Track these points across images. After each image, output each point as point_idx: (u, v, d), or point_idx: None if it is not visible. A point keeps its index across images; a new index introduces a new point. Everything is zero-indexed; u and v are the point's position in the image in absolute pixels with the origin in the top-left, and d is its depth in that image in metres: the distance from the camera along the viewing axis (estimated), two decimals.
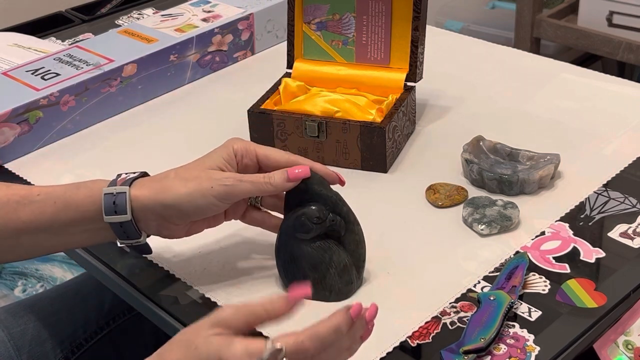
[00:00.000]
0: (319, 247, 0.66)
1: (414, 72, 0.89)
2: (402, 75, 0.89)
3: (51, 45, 1.14)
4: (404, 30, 0.88)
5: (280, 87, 0.91)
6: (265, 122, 0.85)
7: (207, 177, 0.63)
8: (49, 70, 0.99)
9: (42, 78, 0.97)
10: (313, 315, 0.60)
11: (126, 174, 0.67)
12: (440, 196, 0.80)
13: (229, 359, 0.50)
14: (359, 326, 0.55)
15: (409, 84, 0.89)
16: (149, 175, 0.68)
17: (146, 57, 1.01)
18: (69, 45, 1.11)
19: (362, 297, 0.68)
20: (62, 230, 0.66)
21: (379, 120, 0.84)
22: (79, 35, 1.18)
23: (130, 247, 0.69)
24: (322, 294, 0.67)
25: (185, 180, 0.64)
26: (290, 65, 0.93)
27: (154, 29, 1.09)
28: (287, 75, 0.93)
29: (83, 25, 1.23)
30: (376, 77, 0.90)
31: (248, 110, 0.86)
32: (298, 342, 0.51)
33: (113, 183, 0.66)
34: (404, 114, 0.86)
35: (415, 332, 0.64)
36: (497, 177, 0.79)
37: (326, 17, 0.91)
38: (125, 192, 0.64)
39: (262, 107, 0.87)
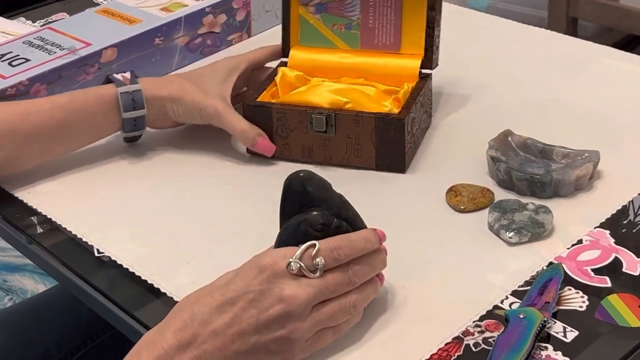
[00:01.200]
0: None
1: (430, 58, 0.88)
2: (417, 62, 0.88)
3: (20, 26, 1.14)
4: (417, 10, 0.87)
5: (277, 78, 0.90)
6: (263, 117, 0.84)
7: (210, 107, 0.85)
8: (17, 55, 0.99)
9: (10, 64, 0.97)
10: None
11: (117, 73, 0.86)
12: (463, 199, 0.79)
13: (266, 261, 0.60)
14: (382, 251, 0.65)
15: (424, 71, 0.88)
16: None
17: (128, 40, 1.01)
18: (40, 26, 1.11)
19: (372, 315, 0.67)
20: (69, 132, 0.85)
21: (396, 111, 0.84)
22: (51, 16, 1.18)
23: (127, 138, 0.89)
24: None
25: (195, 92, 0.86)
26: (285, 53, 0.92)
27: (136, 8, 1.09)
28: (283, 65, 0.92)
29: (56, 4, 1.23)
30: (386, 65, 0.89)
31: (244, 104, 0.85)
32: (330, 240, 0.62)
33: (120, 83, 0.85)
34: (421, 104, 0.85)
35: (434, 354, 0.64)
36: (528, 178, 0.79)
37: None
38: (141, 90, 0.85)
39: (259, 99, 0.86)
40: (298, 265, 0.60)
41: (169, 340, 0.57)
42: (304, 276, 0.60)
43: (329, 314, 0.61)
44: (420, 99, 0.85)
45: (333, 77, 0.90)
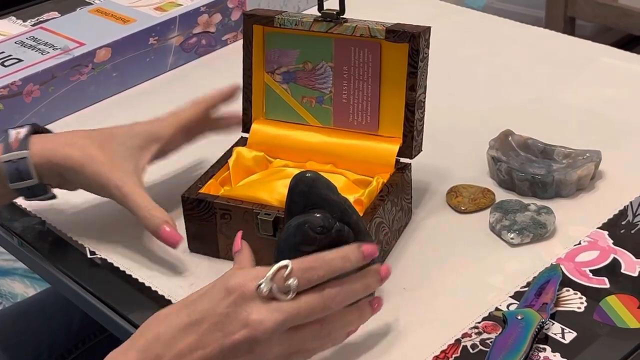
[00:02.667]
0: None
1: (410, 146, 0.76)
2: (394, 148, 0.77)
3: (11, 26, 1.14)
4: (396, 89, 0.77)
5: (231, 160, 0.79)
6: (204, 213, 0.73)
7: (113, 184, 0.73)
8: (10, 55, 1.00)
9: (2, 64, 0.98)
10: None
11: (14, 129, 0.75)
12: (464, 200, 0.80)
13: (234, 283, 0.57)
14: (372, 275, 0.61)
15: (402, 160, 0.78)
16: (40, 131, 0.77)
17: (122, 40, 1.02)
18: (32, 26, 1.11)
19: (372, 320, 0.68)
20: None
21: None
22: (43, 15, 1.19)
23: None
24: None
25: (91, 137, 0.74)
26: (246, 128, 0.82)
27: (130, 7, 1.09)
28: (242, 142, 0.82)
29: (47, 2, 1.23)
30: (360, 149, 0.78)
31: (182, 196, 0.74)
32: (304, 260, 0.58)
33: (7, 147, 0.73)
34: (393, 204, 0.74)
35: (436, 356, 0.64)
36: (529, 178, 0.80)
37: (295, 65, 0.80)
38: (26, 157, 0.72)
39: (203, 190, 0.75)
40: (269, 287, 0.56)
41: None
42: (275, 299, 0.57)
43: (300, 340, 0.58)
44: (392, 197, 0.74)
45: (298, 160, 0.80)
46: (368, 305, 0.62)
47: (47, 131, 0.77)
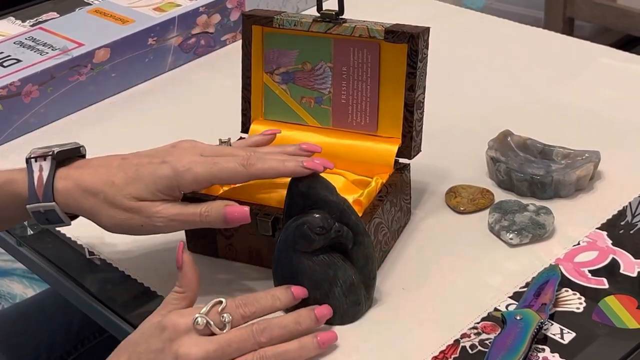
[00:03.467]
0: (323, 261, 0.66)
1: (408, 146, 0.77)
2: (393, 148, 0.77)
3: (10, 26, 1.14)
4: (395, 89, 0.77)
5: None
6: None
7: (139, 210, 0.66)
8: (9, 55, 1.00)
9: (1, 65, 0.98)
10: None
11: (36, 160, 0.68)
12: (463, 200, 0.80)
13: (169, 320, 0.60)
14: (305, 313, 0.64)
15: (401, 160, 0.78)
16: (73, 157, 0.70)
17: (121, 40, 1.02)
18: (31, 26, 1.11)
19: (372, 320, 0.68)
20: None
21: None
22: (42, 15, 1.19)
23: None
24: None
25: (115, 207, 0.67)
26: (245, 128, 0.82)
27: (129, 7, 1.09)
28: None
29: (46, 3, 1.23)
30: (359, 149, 0.78)
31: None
32: (237, 298, 0.62)
33: (31, 188, 0.67)
34: (392, 204, 0.74)
35: (435, 356, 0.64)
36: (528, 178, 0.80)
37: (294, 66, 0.80)
38: (54, 208, 0.67)
39: (202, 190, 0.73)
40: (205, 320, 0.59)
41: None
42: (212, 333, 0.60)
43: None
44: (391, 198, 0.74)
45: None
46: (312, 338, 0.63)
47: (70, 152, 0.71)
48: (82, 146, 0.72)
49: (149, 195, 0.66)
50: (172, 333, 0.59)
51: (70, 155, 0.70)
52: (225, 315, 0.60)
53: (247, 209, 0.67)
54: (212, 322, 0.59)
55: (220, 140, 0.76)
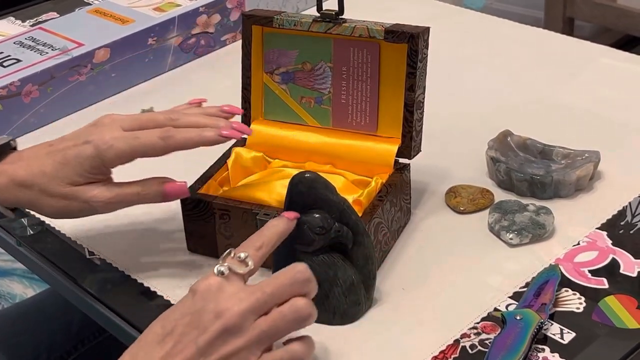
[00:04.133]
0: (322, 261, 0.66)
1: (408, 146, 0.77)
2: (393, 148, 0.77)
3: (9, 26, 1.14)
4: (395, 90, 0.77)
5: (229, 161, 0.79)
6: (203, 213, 0.73)
7: (74, 196, 0.68)
8: (9, 55, 1.00)
9: (1, 65, 0.98)
10: (314, 339, 0.60)
11: None
12: (463, 200, 0.80)
13: (197, 284, 0.57)
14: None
15: (401, 160, 0.78)
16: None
17: (120, 40, 1.02)
18: (31, 26, 1.11)
19: (372, 320, 0.68)
20: None
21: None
22: (41, 15, 1.19)
23: None
24: (324, 315, 0.67)
25: (52, 195, 0.68)
26: None
27: (129, 7, 1.09)
28: (241, 142, 0.81)
29: (46, 3, 1.23)
30: (359, 149, 0.78)
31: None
32: (242, 243, 0.60)
33: None
34: (392, 204, 0.74)
35: (435, 356, 0.64)
36: (528, 178, 0.80)
37: (294, 66, 0.80)
38: None
39: (202, 190, 0.75)
40: (225, 266, 0.57)
41: None
42: (240, 277, 0.57)
43: (269, 325, 0.56)
44: (391, 198, 0.74)
45: (297, 160, 0.80)
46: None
47: (1, 148, 0.71)
48: (13, 139, 0.72)
49: (79, 178, 0.68)
50: (204, 292, 0.57)
51: (1, 150, 0.71)
52: (240, 254, 0.58)
53: (185, 183, 0.70)
54: (233, 266, 0.57)
55: (142, 110, 0.77)
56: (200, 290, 0.57)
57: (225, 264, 0.57)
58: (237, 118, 0.84)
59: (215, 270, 0.57)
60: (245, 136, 0.82)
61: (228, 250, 0.59)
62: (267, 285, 0.57)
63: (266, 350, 0.57)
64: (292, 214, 0.64)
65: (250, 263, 0.58)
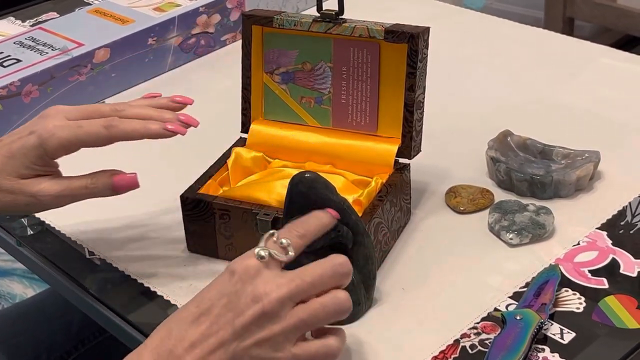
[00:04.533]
0: None
1: (408, 146, 0.77)
2: (393, 148, 0.77)
3: (9, 26, 1.14)
4: (395, 90, 0.77)
5: (229, 161, 0.79)
6: (203, 213, 0.74)
7: (21, 190, 0.68)
8: (9, 55, 1.00)
9: (1, 65, 0.98)
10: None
11: None
12: (463, 200, 0.80)
13: (236, 264, 0.56)
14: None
15: (401, 160, 0.78)
16: None
17: (120, 40, 1.02)
18: (31, 26, 1.11)
19: (372, 320, 0.68)
20: None
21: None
22: (41, 15, 1.19)
23: None
24: None
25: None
26: (245, 128, 0.82)
27: (129, 7, 1.09)
28: (241, 142, 0.82)
29: (46, 3, 1.23)
30: (359, 149, 0.78)
31: (181, 196, 0.75)
32: (285, 227, 0.60)
33: None
34: (392, 204, 0.74)
35: (435, 356, 0.64)
36: (528, 178, 0.80)
37: (294, 66, 0.80)
38: None
39: (202, 190, 0.75)
40: (267, 251, 0.56)
41: None
42: (279, 263, 0.57)
43: (309, 314, 0.56)
44: (391, 198, 0.74)
45: (297, 160, 0.80)
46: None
47: None
48: None
49: (26, 170, 0.67)
50: (243, 274, 0.56)
51: None
52: (282, 240, 0.57)
53: (135, 175, 0.69)
54: (274, 252, 0.57)
55: None
56: (238, 272, 0.56)
57: (267, 249, 0.57)
58: (237, 117, 0.84)
59: (256, 253, 0.56)
60: (244, 136, 0.81)
61: (271, 232, 0.58)
62: (307, 275, 0.56)
63: (301, 339, 0.57)
64: (335, 213, 0.63)
65: (291, 251, 0.58)
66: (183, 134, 0.68)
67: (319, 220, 0.61)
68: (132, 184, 0.69)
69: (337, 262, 0.58)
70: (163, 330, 0.56)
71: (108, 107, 0.70)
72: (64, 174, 0.71)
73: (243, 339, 0.55)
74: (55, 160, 0.69)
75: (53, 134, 0.67)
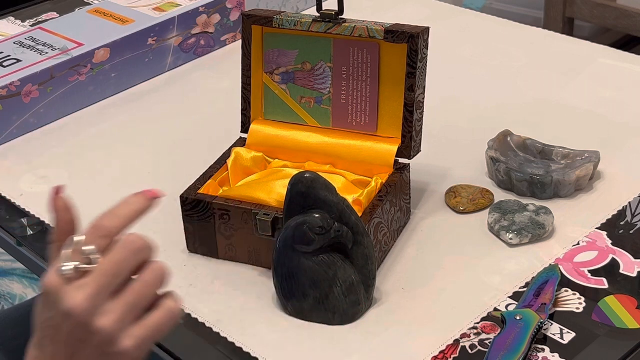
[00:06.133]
0: (322, 261, 0.66)
1: (408, 146, 0.77)
2: (393, 149, 0.77)
3: (9, 26, 1.14)
4: (395, 90, 0.77)
5: (229, 161, 0.79)
6: (203, 213, 0.73)
7: None
8: (9, 55, 1.00)
9: (1, 65, 0.98)
10: (314, 339, 0.60)
11: None
12: (463, 200, 0.80)
13: (44, 283, 0.52)
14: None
15: (401, 160, 0.78)
16: None
17: (120, 40, 1.02)
18: (31, 26, 1.11)
19: (372, 320, 0.68)
20: None
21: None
22: (41, 15, 1.19)
23: None
24: (324, 315, 0.67)
25: None
26: (245, 128, 0.82)
27: (129, 7, 1.09)
28: (241, 142, 0.82)
29: (46, 3, 1.23)
30: (359, 149, 0.78)
31: (181, 196, 0.74)
32: (92, 225, 0.54)
33: None
34: (392, 204, 0.74)
35: (434, 356, 0.64)
36: (528, 178, 0.80)
37: (294, 66, 0.80)
38: None
39: (202, 190, 0.75)
40: (71, 266, 0.52)
41: None
42: (84, 273, 0.52)
43: (128, 295, 0.53)
44: (391, 198, 0.74)
45: (297, 160, 0.80)
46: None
47: None
48: None
49: None
50: (50, 295, 0.52)
51: None
52: (84, 248, 0.53)
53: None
54: (79, 264, 0.52)
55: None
56: (46, 292, 0.52)
57: (70, 263, 0.52)
58: (237, 117, 0.84)
59: (58, 270, 0.52)
60: (244, 136, 0.82)
61: (77, 239, 0.53)
62: (105, 266, 0.53)
63: (137, 319, 0.53)
64: (153, 192, 0.57)
65: (95, 258, 0.53)
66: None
67: (129, 207, 0.56)
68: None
69: (129, 240, 0.54)
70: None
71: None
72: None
73: (80, 357, 0.52)
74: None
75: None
